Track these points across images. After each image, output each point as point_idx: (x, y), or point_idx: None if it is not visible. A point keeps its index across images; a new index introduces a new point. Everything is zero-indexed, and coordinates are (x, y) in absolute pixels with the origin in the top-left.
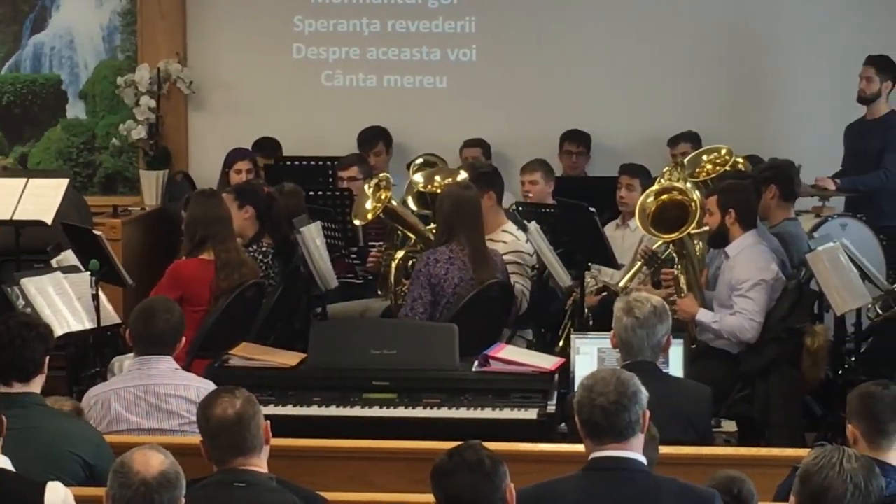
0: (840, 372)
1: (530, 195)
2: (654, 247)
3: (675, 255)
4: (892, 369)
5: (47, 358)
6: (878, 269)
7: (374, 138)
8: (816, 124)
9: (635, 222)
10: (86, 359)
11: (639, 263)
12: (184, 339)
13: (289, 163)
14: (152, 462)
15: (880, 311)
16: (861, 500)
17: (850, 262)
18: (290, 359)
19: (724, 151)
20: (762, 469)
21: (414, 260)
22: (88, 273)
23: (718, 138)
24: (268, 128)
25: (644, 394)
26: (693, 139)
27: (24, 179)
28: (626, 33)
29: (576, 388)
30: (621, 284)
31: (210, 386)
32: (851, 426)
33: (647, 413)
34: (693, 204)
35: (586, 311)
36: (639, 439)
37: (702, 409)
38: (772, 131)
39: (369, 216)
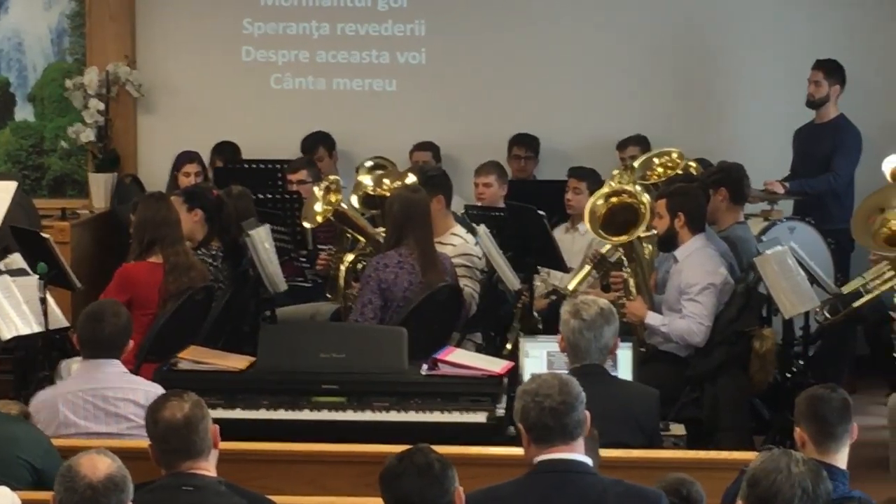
0: (788, 375)
1: (483, 197)
2: (603, 250)
3: (624, 258)
4: (840, 372)
5: None
6: (825, 273)
7: (315, 144)
8: (766, 128)
9: (585, 226)
10: (34, 362)
11: (587, 267)
12: (132, 342)
13: (238, 166)
14: (99, 466)
15: (828, 315)
16: None
17: (798, 265)
18: (238, 362)
19: (675, 155)
20: (710, 472)
21: (363, 263)
22: (37, 276)
23: (668, 142)
24: (217, 131)
25: (584, 396)
26: (642, 143)
27: None
28: (576, 37)
29: (516, 396)
30: (570, 287)
31: (158, 390)
32: (799, 429)
33: (588, 414)
34: (643, 207)
35: (535, 314)
36: (582, 441)
37: (650, 412)
38: (721, 135)
39: (319, 219)
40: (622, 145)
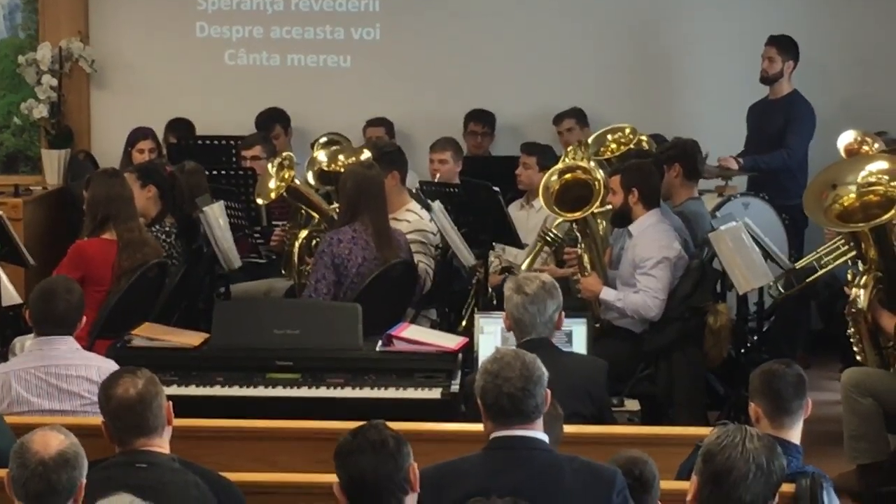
0: (742, 350)
1: (439, 174)
2: (555, 224)
3: (578, 233)
4: (794, 347)
5: None
6: (780, 249)
7: (271, 122)
8: (720, 104)
9: (539, 202)
10: None
11: (540, 243)
12: (85, 319)
13: (192, 142)
14: (51, 442)
15: (782, 290)
16: (763, 479)
17: (752, 241)
18: (193, 339)
19: (628, 130)
20: (665, 448)
21: (318, 239)
22: None
23: (622, 117)
24: (170, 107)
25: (546, 374)
26: (578, 115)
27: None
28: (532, 12)
29: (478, 370)
30: (524, 266)
31: (112, 366)
32: (754, 404)
33: (549, 392)
34: (597, 183)
35: (490, 290)
36: (541, 419)
37: (598, 380)
38: (675, 111)
39: (272, 195)
40: (558, 119)
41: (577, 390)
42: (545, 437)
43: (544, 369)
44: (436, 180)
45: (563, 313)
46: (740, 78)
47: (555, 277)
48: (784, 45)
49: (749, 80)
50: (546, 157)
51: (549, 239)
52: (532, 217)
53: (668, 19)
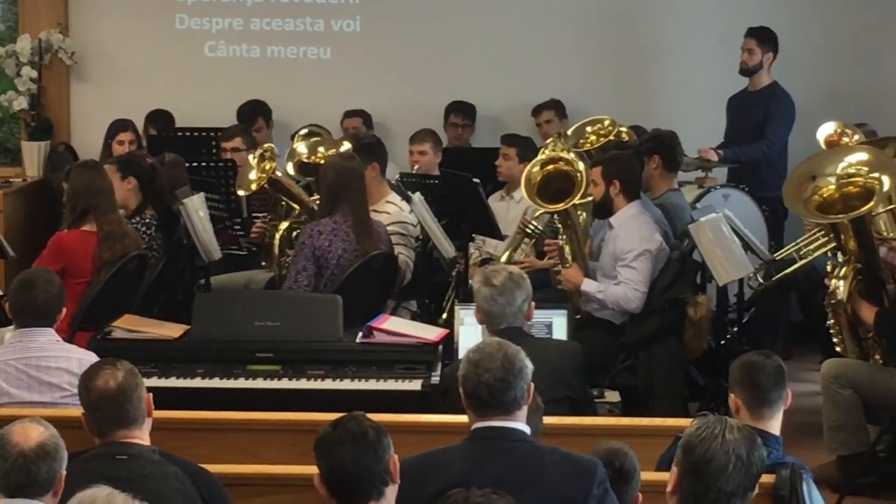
0: (722, 342)
1: (418, 166)
2: (535, 216)
3: (559, 225)
4: (774, 339)
5: None
6: (760, 240)
7: (253, 114)
8: (699, 96)
9: (520, 193)
10: None
11: (519, 236)
12: (65, 310)
13: (172, 134)
14: (31, 434)
15: (762, 281)
16: (743, 471)
17: (732, 232)
18: (173, 331)
19: (607, 122)
20: (645, 439)
21: (298, 231)
22: None
23: (602, 109)
24: (151, 99)
25: (529, 368)
26: (557, 107)
27: None
28: (512, 3)
29: (460, 360)
30: (503, 258)
31: (92, 358)
32: (734, 396)
33: (532, 386)
34: (578, 174)
35: (470, 281)
36: (523, 411)
37: (573, 365)
38: (654, 102)
39: (253, 187)
40: (537, 111)
41: (552, 377)
42: (527, 429)
43: (528, 363)
44: (415, 171)
45: (534, 304)
46: (720, 69)
47: (535, 269)
48: (763, 37)
49: (729, 71)
50: (526, 148)
51: (528, 231)
52: (512, 208)
53: (647, 11)
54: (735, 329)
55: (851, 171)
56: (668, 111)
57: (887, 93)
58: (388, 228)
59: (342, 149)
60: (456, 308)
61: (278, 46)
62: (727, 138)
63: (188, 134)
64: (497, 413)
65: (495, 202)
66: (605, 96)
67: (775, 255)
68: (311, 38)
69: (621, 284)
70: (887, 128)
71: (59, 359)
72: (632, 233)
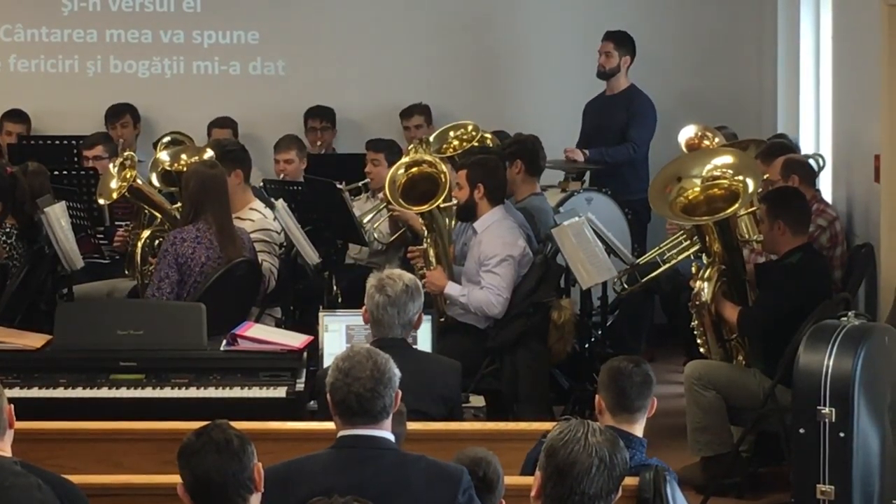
0: (587, 345)
1: (284, 174)
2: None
3: (424, 227)
4: (638, 341)
5: None
6: (623, 243)
7: (122, 111)
8: (559, 99)
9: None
10: None
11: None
12: None
13: (33, 141)
14: None
15: (626, 285)
16: (606, 473)
17: (595, 236)
18: (35, 340)
19: (470, 127)
20: (510, 443)
21: (161, 239)
22: None
23: (465, 114)
24: (13, 105)
25: (397, 376)
26: (425, 112)
27: None
28: (370, 7)
29: (328, 367)
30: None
31: None
32: (599, 397)
33: (399, 393)
34: (443, 176)
35: (335, 288)
36: (390, 419)
37: (452, 383)
38: (516, 106)
39: (114, 195)
40: (407, 113)
41: (430, 392)
42: (392, 437)
43: (396, 370)
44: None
45: (422, 314)
46: (578, 73)
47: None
48: (621, 40)
49: (587, 75)
50: (393, 152)
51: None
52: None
53: (503, 14)
54: (599, 332)
55: (717, 173)
56: (531, 116)
57: (745, 95)
58: (252, 235)
59: (205, 156)
60: (321, 314)
61: (140, 60)
62: (582, 142)
63: (49, 142)
64: (365, 421)
65: (362, 203)
66: (466, 100)
67: (639, 259)
68: (165, 49)
69: (484, 289)
70: (746, 130)
71: None
72: (495, 238)
